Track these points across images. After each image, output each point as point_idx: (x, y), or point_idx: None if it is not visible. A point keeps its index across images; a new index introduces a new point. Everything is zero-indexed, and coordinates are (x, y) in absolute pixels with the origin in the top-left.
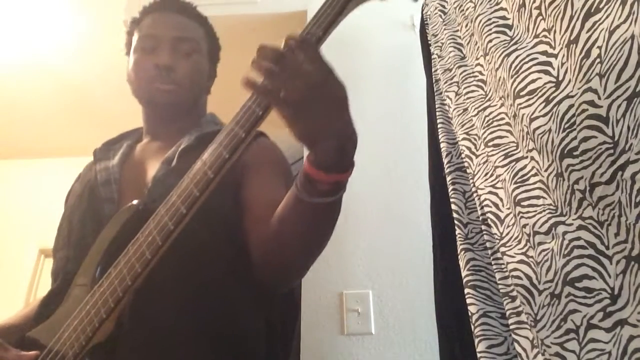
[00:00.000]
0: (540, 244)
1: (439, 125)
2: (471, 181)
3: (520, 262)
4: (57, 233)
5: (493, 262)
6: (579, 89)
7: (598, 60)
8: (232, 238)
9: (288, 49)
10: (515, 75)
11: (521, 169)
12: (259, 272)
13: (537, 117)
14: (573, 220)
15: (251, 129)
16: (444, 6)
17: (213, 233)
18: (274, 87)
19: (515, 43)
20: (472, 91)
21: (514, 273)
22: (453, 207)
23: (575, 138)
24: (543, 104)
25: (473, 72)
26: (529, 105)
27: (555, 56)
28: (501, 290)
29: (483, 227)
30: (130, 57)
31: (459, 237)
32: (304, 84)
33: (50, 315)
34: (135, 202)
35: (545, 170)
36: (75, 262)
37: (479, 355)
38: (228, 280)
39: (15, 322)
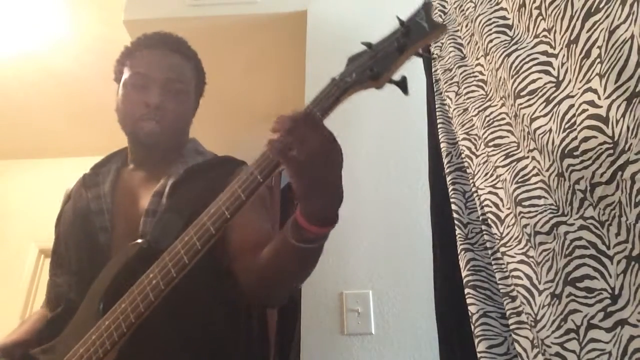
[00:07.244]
0: (541, 244)
1: (439, 125)
2: (471, 181)
3: (521, 262)
4: (53, 255)
5: (493, 262)
6: (579, 89)
7: (598, 60)
8: (217, 272)
9: (298, 119)
10: (516, 75)
11: (522, 169)
12: (248, 295)
13: (537, 117)
14: (574, 220)
15: (251, 194)
16: (444, 6)
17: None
18: (286, 145)
19: (516, 43)
20: (473, 91)
21: (514, 273)
22: (453, 207)
23: (575, 138)
24: (543, 104)
25: (473, 72)
26: (530, 106)
27: (556, 56)
28: (501, 290)
29: (483, 227)
30: (119, 88)
31: (459, 237)
32: (311, 149)
33: (52, 339)
34: (139, 241)
35: (547, 170)
36: (77, 290)
37: (479, 355)
38: (215, 312)
39: (18, 338)
